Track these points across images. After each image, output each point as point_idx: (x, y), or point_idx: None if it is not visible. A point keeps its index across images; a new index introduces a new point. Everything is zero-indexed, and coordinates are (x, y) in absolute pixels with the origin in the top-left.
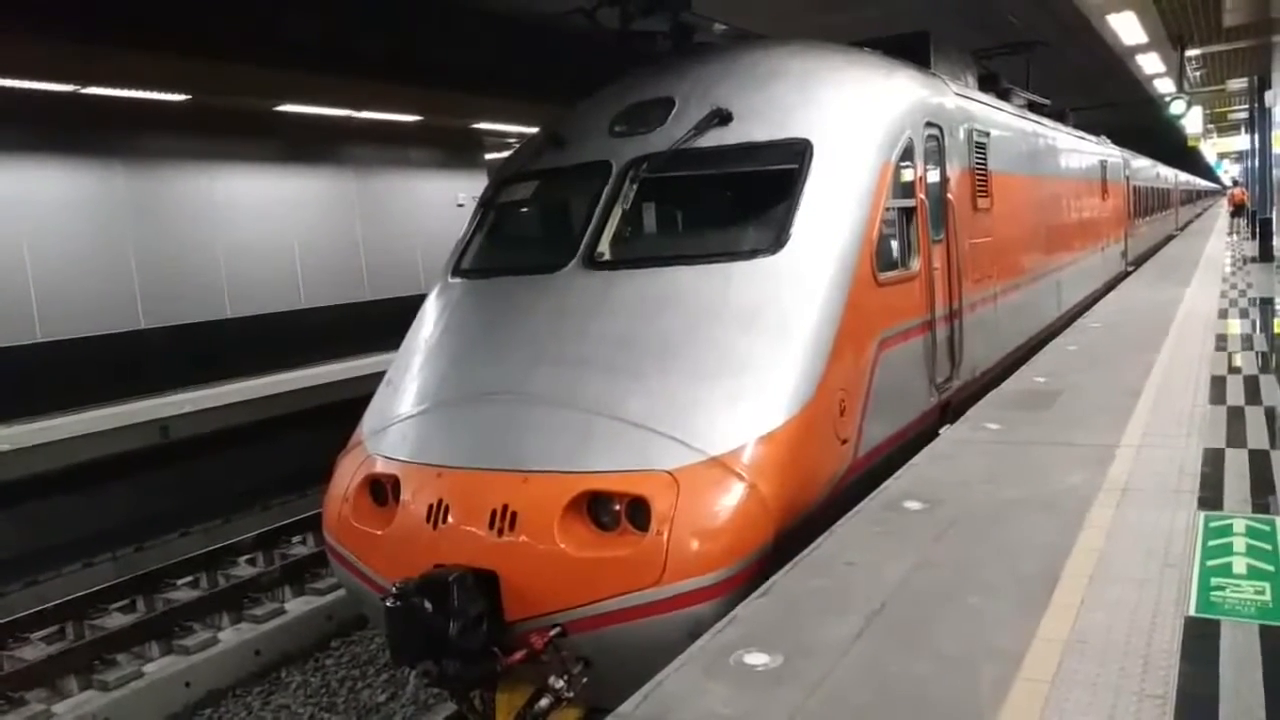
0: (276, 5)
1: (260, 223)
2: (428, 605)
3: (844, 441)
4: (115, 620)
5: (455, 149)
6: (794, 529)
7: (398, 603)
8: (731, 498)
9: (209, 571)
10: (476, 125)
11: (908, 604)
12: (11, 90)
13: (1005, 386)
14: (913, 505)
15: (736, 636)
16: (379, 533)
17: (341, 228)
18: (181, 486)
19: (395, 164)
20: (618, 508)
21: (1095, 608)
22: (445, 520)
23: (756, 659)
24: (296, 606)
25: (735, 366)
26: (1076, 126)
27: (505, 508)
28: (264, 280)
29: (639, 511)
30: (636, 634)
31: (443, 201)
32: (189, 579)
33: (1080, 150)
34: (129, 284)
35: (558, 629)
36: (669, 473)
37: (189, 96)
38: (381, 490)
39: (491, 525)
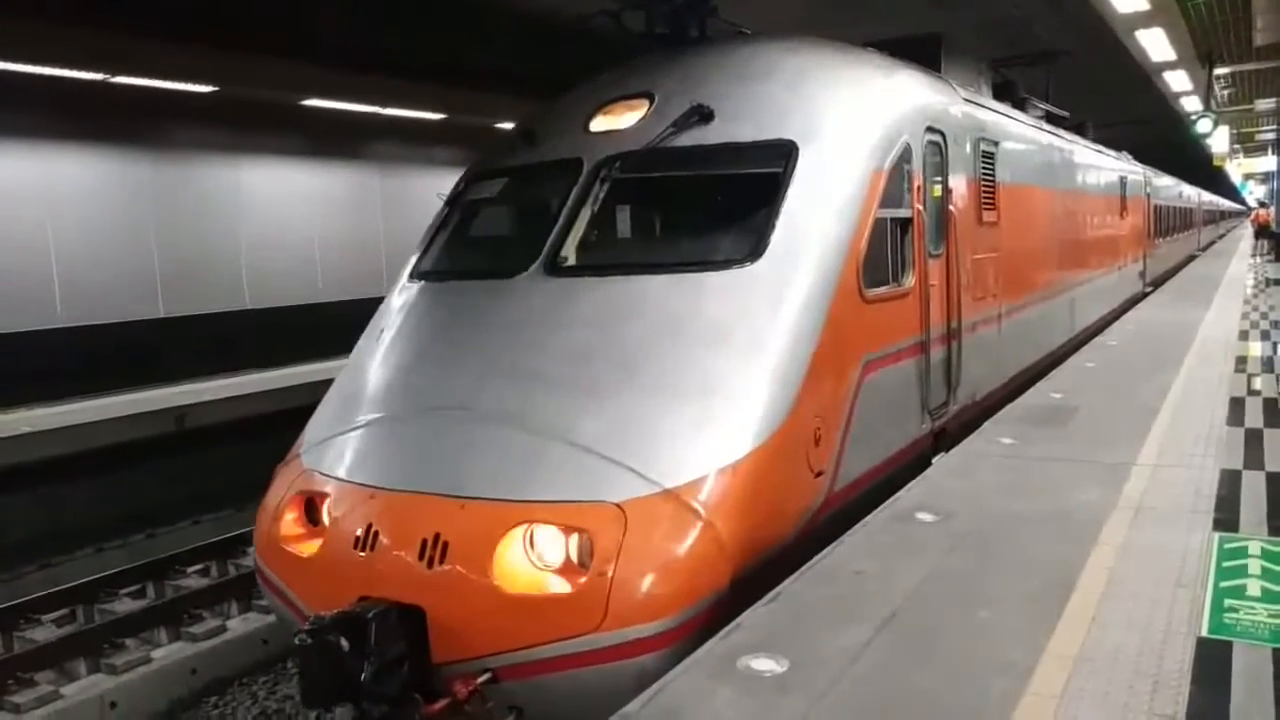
0: (304, 0)
1: (282, 216)
2: (344, 643)
3: (818, 474)
4: (125, 605)
5: (478, 148)
6: (755, 571)
7: (309, 640)
8: (683, 536)
9: (219, 560)
10: (500, 125)
11: (917, 615)
12: (40, 77)
13: (1021, 401)
14: (925, 517)
15: (743, 641)
16: (306, 556)
17: (363, 223)
18: (195, 475)
19: (418, 161)
20: (561, 542)
21: (1106, 625)
22: (374, 547)
23: (763, 664)
24: None
25: (700, 388)
26: (1098, 141)
27: (437, 537)
28: (284, 272)
29: (583, 547)
30: (573, 683)
31: None
32: (199, 567)
33: (1099, 165)
34: (150, 271)
35: (488, 674)
36: (617, 505)
37: (215, 88)
38: (315, 509)
39: (421, 555)
